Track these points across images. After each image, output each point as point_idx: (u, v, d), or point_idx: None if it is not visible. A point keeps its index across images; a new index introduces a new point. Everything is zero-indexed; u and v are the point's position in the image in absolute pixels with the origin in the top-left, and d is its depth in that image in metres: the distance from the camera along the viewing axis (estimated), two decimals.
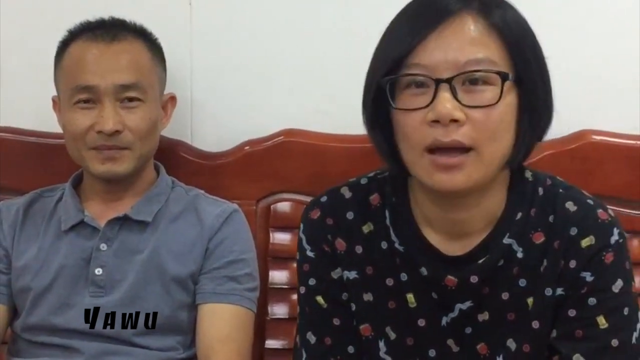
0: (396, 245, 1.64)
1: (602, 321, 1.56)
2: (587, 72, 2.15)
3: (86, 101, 2.01)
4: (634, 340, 1.58)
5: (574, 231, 1.56)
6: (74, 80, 2.02)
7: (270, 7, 2.31)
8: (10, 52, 2.37)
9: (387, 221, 1.65)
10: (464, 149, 1.47)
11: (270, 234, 2.27)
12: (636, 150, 2.17)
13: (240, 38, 2.32)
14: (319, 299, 1.69)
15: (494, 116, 1.47)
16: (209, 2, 2.32)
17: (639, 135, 2.19)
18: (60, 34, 2.09)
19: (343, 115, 2.27)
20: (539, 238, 1.58)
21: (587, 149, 2.17)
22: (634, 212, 2.15)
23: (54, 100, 2.12)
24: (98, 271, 2.03)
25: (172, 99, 2.17)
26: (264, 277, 2.20)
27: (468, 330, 1.63)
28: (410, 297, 1.64)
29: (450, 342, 1.64)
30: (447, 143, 1.47)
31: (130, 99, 2.02)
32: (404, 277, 1.64)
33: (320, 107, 2.32)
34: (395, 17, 1.55)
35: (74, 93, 2.01)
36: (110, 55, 2.02)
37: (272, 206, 2.28)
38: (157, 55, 2.12)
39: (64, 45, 2.08)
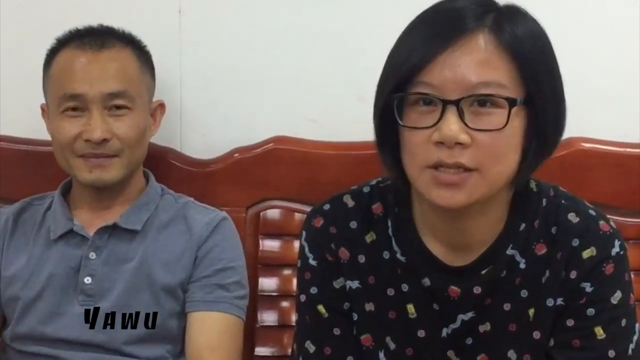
0: (398, 255, 1.64)
1: (599, 332, 1.57)
2: (577, 79, 2.12)
3: (74, 109, 2.00)
4: (630, 352, 1.59)
5: (575, 242, 1.57)
6: (62, 88, 2.01)
7: (259, 15, 2.31)
8: (4, 60, 2.36)
9: (390, 231, 1.65)
10: (468, 168, 1.47)
11: (260, 241, 2.26)
12: (625, 158, 2.20)
13: (230, 46, 2.33)
14: (320, 307, 1.68)
15: (500, 140, 1.46)
16: (198, 10, 2.32)
17: (629, 143, 2.22)
18: (53, 41, 2.08)
19: (332, 124, 2.30)
20: (541, 249, 1.59)
21: (576, 156, 2.19)
22: (622, 219, 2.16)
23: (42, 108, 2.11)
24: (87, 280, 2.02)
25: (161, 106, 2.17)
26: (254, 284, 2.19)
27: (469, 341, 1.63)
28: (410, 307, 1.64)
29: (450, 353, 1.64)
30: (450, 164, 1.46)
31: (118, 107, 2.01)
32: (404, 287, 1.64)
33: (309, 115, 2.32)
34: (410, 25, 1.53)
35: (62, 101, 2.00)
36: (98, 64, 2.01)
37: (261, 213, 2.27)
38: (146, 62, 2.11)
39: (52, 53, 2.07)
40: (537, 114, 1.48)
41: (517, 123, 1.47)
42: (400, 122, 1.50)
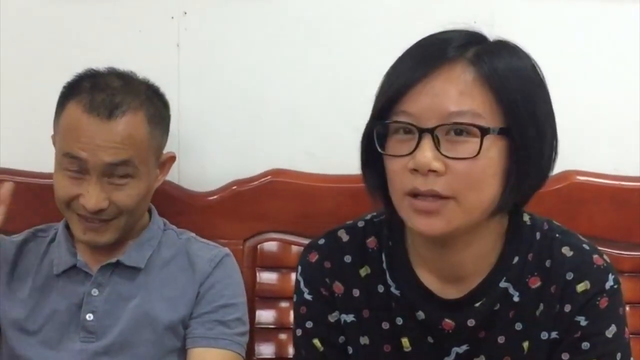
0: (392, 289, 1.65)
1: None
2: (572, 114, 2.16)
3: (75, 170, 1.95)
4: None
5: (569, 276, 1.58)
6: (66, 146, 1.95)
7: (257, 49, 2.32)
8: (4, 93, 2.37)
9: (384, 265, 1.66)
10: (442, 196, 1.48)
11: (257, 274, 2.26)
12: (620, 191, 2.20)
13: (228, 79, 2.34)
14: (316, 342, 1.70)
15: (475, 168, 1.47)
16: (196, 44, 2.33)
17: (623, 176, 2.23)
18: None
19: (329, 157, 2.31)
20: (535, 282, 1.60)
21: (571, 190, 2.20)
22: (617, 252, 2.17)
23: (52, 138, 2.05)
24: (89, 317, 2.01)
25: (172, 158, 2.14)
26: (251, 317, 2.18)
27: None
28: (405, 341, 1.65)
29: None
30: (424, 192, 1.48)
31: (120, 175, 1.96)
32: (399, 321, 1.65)
33: (306, 148, 2.33)
34: (399, 57, 1.55)
35: (65, 158, 1.96)
36: (104, 133, 1.93)
37: (259, 246, 2.27)
38: (159, 121, 2.04)
39: (66, 94, 2.01)
40: (518, 145, 1.49)
41: (495, 153, 1.48)
42: (379, 150, 1.53)
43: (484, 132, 1.46)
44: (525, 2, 2.26)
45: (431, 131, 1.46)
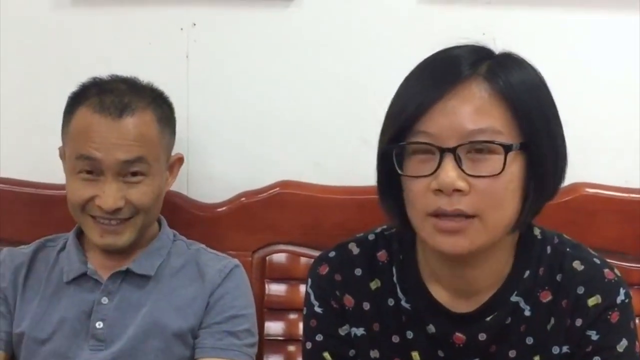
0: (402, 302, 1.65)
1: None
2: (581, 128, 2.15)
3: (89, 172, 1.97)
4: None
5: (580, 290, 1.58)
6: (79, 148, 1.97)
7: (266, 59, 2.32)
8: (8, 102, 2.37)
9: (394, 278, 1.66)
10: (468, 215, 1.48)
11: (266, 285, 2.26)
12: (629, 203, 2.20)
13: (237, 90, 2.34)
14: (326, 355, 1.69)
15: (498, 185, 1.47)
16: (205, 55, 2.33)
17: (633, 189, 2.22)
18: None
19: (338, 168, 2.31)
20: (546, 297, 1.60)
21: (580, 202, 2.19)
22: (626, 264, 2.16)
23: (60, 150, 2.08)
24: (99, 325, 2.01)
25: (179, 159, 2.16)
26: (260, 328, 2.18)
27: None
28: (415, 354, 1.65)
29: None
30: (450, 212, 1.47)
31: (134, 174, 1.98)
32: (409, 334, 1.65)
33: (315, 159, 2.33)
34: (409, 74, 1.56)
35: (78, 161, 1.97)
36: (116, 131, 1.96)
37: (267, 257, 2.27)
38: (167, 122, 2.08)
39: (73, 103, 2.03)
40: (535, 159, 1.50)
41: (515, 168, 1.49)
42: (399, 171, 1.52)
43: (507, 149, 1.46)
44: (526, 11, 2.26)
45: (453, 150, 1.46)
